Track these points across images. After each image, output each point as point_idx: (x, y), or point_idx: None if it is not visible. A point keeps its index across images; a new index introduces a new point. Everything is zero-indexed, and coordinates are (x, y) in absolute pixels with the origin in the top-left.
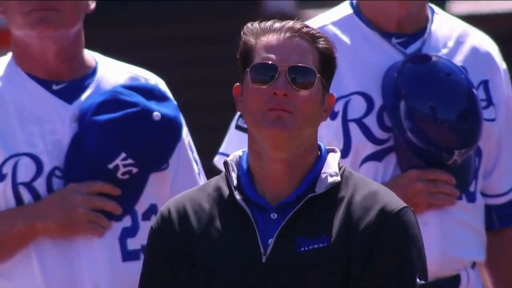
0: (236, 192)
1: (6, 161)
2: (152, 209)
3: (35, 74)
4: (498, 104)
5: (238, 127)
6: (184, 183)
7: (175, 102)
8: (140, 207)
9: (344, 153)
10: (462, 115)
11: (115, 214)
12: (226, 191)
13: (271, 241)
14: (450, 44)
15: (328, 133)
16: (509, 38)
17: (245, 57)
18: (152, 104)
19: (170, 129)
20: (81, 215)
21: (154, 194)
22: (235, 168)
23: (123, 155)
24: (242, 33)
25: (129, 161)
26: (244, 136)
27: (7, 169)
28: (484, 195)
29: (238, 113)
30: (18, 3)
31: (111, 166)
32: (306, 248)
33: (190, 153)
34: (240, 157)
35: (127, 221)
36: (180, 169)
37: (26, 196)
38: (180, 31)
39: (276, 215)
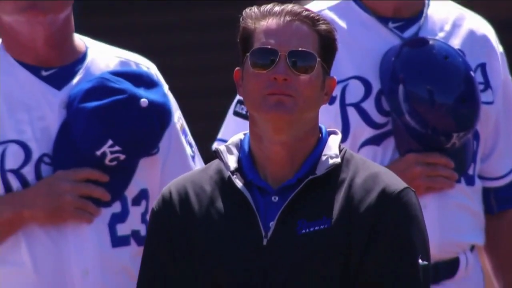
0: (235, 176)
1: None
2: (142, 194)
3: (25, 61)
4: (496, 87)
5: (236, 113)
6: (175, 167)
7: (166, 86)
8: (130, 192)
9: (343, 138)
10: (460, 98)
11: (104, 200)
12: (227, 174)
13: (272, 224)
14: (447, 27)
15: (326, 117)
16: (508, 23)
17: (245, 42)
18: (140, 91)
19: (157, 115)
20: (69, 202)
21: (144, 179)
22: (235, 151)
23: (110, 142)
24: (241, 18)
25: (116, 148)
26: (243, 122)
27: None
28: (482, 178)
29: (236, 99)
30: None
31: (98, 153)
32: (307, 230)
33: (182, 137)
34: (241, 140)
35: (116, 207)
36: (171, 153)
37: (14, 183)
38: (177, 17)
39: (277, 198)
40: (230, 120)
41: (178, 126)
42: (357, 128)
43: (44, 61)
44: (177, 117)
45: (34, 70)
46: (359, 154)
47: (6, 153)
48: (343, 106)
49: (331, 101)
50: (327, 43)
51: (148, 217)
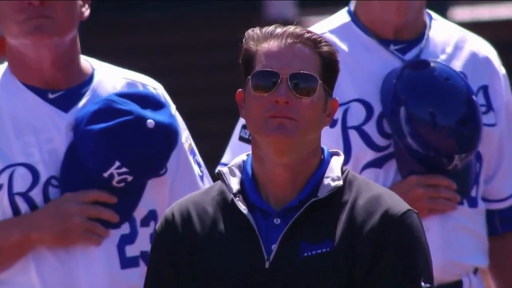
0: (238, 199)
1: (2, 171)
2: (151, 215)
3: (31, 83)
4: (498, 109)
5: (241, 138)
6: (184, 187)
7: (173, 107)
8: (139, 213)
9: (345, 161)
10: (461, 120)
11: (113, 222)
12: (229, 195)
13: (274, 247)
14: (449, 49)
15: (328, 140)
16: (510, 44)
17: (247, 63)
18: (147, 112)
19: (164, 136)
20: (77, 224)
21: (152, 199)
22: (237, 173)
23: (117, 163)
24: (243, 39)
25: (124, 169)
26: (247, 147)
27: (3, 179)
28: (486, 200)
29: (241, 124)
30: (13, 12)
31: (106, 174)
32: (309, 253)
33: (190, 157)
34: (244, 161)
35: (125, 228)
36: (179, 174)
37: (22, 206)
38: (182, 38)
39: (279, 220)
40: (235, 145)
41: (186, 146)
42: (359, 151)
43: (50, 83)
44: (185, 137)
45: (41, 92)
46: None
47: (14, 176)
48: (345, 129)
49: (333, 124)
50: (329, 65)
51: None
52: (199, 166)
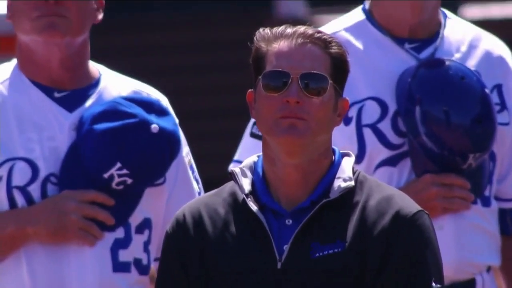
0: (249, 199)
1: (2, 164)
2: (146, 223)
3: (38, 81)
4: None
5: (253, 135)
6: (181, 200)
7: (176, 119)
8: (134, 220)
9: (359, 158)
10: (476, 119)
11: (108, 224)
12: (241, 196)
13: (286, 247)
14: (463, 48)
15: (342, 138)
16: None
17: (257, 63)
18: (151, 117)
19: (167, 142)
20: (73, 222)
21: (149, 208)
22: (249, 174)
23: (118, 165)
24: (254, 39)
25: (124, 171)
26: (259, 144)
27: (3, 172)
28: (498, 199)
29: (253, 120)
30: (27, 9)
31: (106, 175)
32: (321, 254)
33: (189, 172)
34: (255, 162)
35: (120, 233)
36: (177, 187)
37: (19, 200)
38: (192, 37)
39: (291, 221)
40: (247, 141)
41: (186, 160)
42: (373, 149)
43: (57, 82)
44: (186, 152)
45: (47, 90)
46: (375, 175)
47: (14, 169)
48: (359, 127)
49: (347, 122)
50: (339, 65)
51: (150, 247)
52: (197, 182)
